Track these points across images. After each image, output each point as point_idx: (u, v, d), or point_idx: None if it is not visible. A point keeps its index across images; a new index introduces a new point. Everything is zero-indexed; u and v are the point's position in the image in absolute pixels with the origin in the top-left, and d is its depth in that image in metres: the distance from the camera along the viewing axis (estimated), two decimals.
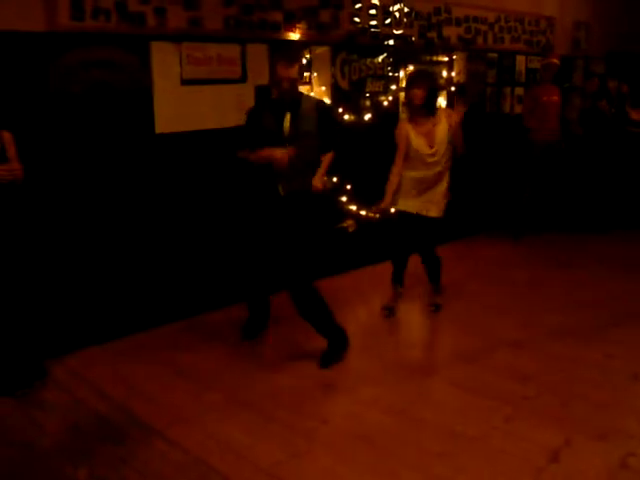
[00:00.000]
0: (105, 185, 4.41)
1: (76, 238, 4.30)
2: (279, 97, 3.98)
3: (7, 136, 3.65)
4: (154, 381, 3.89)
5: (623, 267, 6.02)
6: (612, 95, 7.44)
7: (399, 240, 4.86)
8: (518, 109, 7.56)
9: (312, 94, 5.16)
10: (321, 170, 4.13)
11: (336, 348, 4.13)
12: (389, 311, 4.91)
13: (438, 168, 4.61)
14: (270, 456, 3.07)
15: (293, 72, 3.85)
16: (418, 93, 4.49)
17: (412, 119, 4.64)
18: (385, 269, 5.04)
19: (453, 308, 4.96)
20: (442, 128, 4.58)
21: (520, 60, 7.68)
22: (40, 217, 4.09)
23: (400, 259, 4.92)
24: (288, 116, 3.94)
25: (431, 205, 4.65)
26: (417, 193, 4.64)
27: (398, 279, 4.96)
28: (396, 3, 6.01)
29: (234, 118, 4.99)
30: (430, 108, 4.58)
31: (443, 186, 4.68)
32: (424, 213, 4.64)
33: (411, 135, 4.58)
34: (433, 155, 4.57)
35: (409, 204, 4.66)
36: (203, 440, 3.22)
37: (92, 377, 3.93)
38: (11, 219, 3.66)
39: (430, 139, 4.56)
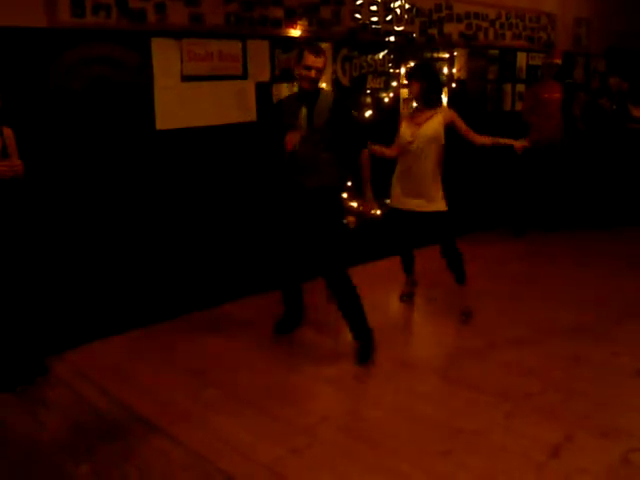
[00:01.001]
0: (106, 181, 4.41)
1: (77, 234, 4.30)
2: (300, 90, 3.98)
3: (8, 132, 3.65)
4: (155, 377, 3.89)
5: (626, 264, 6.00)
6: (613, 92, 7.43)
7: (396, 236, 4.98)
8: (519, 106, 7.55)
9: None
10: (367, 190, 4.20)
11: (368, 342, 4.09)
12: (408, 297, 5.15)
13: (420, 162, 4.56)
14: (270, 452, 3.07)
15: (321, 62, 3.86)
16: (413, 87, 4.58)
17: (414, 110, 4.78)
18: (388, 265, 5.05)
19: (455, 306, 4.95)
20: (433, 123, 4.54)
21: (521, 57, 7.67)
22: (41, 213, 4.09)
23: (403, 253, 5.06)
24: (304, 111, 3.94)
25: (425, 201, 4.60)
26: (403, 189, 4.68)
27: (408, 270, 5.11)
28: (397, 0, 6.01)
29: (235, 114, 5.01)
30: (427, 101, 4.58)
31: (431, 181, 4.58)
32: (419, 209, 4.62)
33: (403, 125, 4.70)
34: (410, 143, 4.56)
35: (400, 201, 4.74)
36: (204, 437, 3.22)
37: (93, 373, 3.93)
38: (12, 215, 3.65)
39: (415, 130, 4.57)
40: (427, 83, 4.54)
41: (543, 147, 6.90)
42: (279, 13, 5.17)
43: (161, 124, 4.62)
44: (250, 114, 5.10)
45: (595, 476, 2.86)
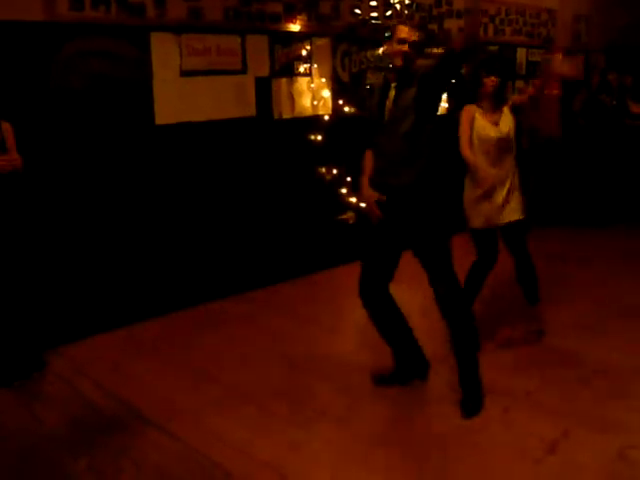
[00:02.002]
0: (105, 176, 4.40)
1: (75, 229, 4.30)
2: (392, 69, 3.46)
3: (6, 126, 3.64)
4: (152, 373, 3.89)
5: (624, 261, 6.00)
6: (613, 88, 7.42)
7: (485, 258, 4.35)
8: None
9: None
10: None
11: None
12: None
13: (509, 163, 4.10)
14: (269, 448, 3.07)
15: (416, 35, 3.44)
16: (490, 81, 4.01)
17: (479, 106, 4.09)
18: None
19: None
20: (509, 119, 4.09)
21: (521, 52, 7.67)
22: (40, 208, 4.08)
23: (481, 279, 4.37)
24: (392, 92, 3.46)
25: (514, 208, 4.15)
26: (497, 197, 4.08)
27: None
28: None
29: (234, 109, 5.00)
30: (500, 99, 4.09)
31: (516, 181, 4.17)
32: (515, 218, 4.18)
33: (477, 118, 4.04)
34: (505, 141, 4.04)
35: (498, 215, 4.13)
36: (202, 433, 3.21)
37: (90, 368, 3.94)
38: (11, 209, 3.65)
39: (496, 128, 4.04)
40: (503, 78, 4.07)
41: (542, 143, 6.91)
42: (278, 8, 5.16)
43: (160, 119, 4.61)
44: (249, 109, 5.10)
45: (592, 471, 2.87)
